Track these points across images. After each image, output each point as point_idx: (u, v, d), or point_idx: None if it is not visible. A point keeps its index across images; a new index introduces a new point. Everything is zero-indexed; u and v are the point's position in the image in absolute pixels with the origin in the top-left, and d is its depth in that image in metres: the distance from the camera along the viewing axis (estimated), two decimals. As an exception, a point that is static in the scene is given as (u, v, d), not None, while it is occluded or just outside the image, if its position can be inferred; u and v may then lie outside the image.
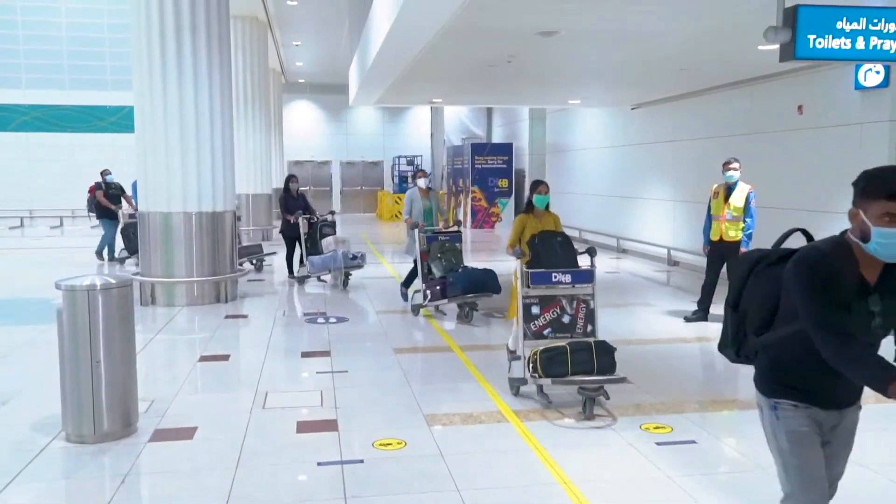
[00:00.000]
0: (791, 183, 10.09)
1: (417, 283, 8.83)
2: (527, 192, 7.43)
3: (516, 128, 22.60)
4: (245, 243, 13.24)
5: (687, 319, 8.36)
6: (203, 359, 6.78)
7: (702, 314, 8.38)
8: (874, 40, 4.94)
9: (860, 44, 4.95)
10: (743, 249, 8.06)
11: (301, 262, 11.33)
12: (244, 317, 8.83)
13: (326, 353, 6.95)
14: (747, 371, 5.84)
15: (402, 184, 27.19)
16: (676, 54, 9.14)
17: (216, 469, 4.23)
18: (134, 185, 15.87)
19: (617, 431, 4.84)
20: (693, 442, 4.64)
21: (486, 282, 8.13)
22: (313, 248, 11.08)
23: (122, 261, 13.41)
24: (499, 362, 6.63)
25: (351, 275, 10.71)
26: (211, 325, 8.22)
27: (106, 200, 13.73)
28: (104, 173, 14.01)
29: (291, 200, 11.42)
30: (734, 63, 9.65)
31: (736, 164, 8.08)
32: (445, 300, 8.16)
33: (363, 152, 29.23)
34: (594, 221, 16.86)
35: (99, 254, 13.75)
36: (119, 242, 13.62)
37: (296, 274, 11.40)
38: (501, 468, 4.28)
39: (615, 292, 10.57)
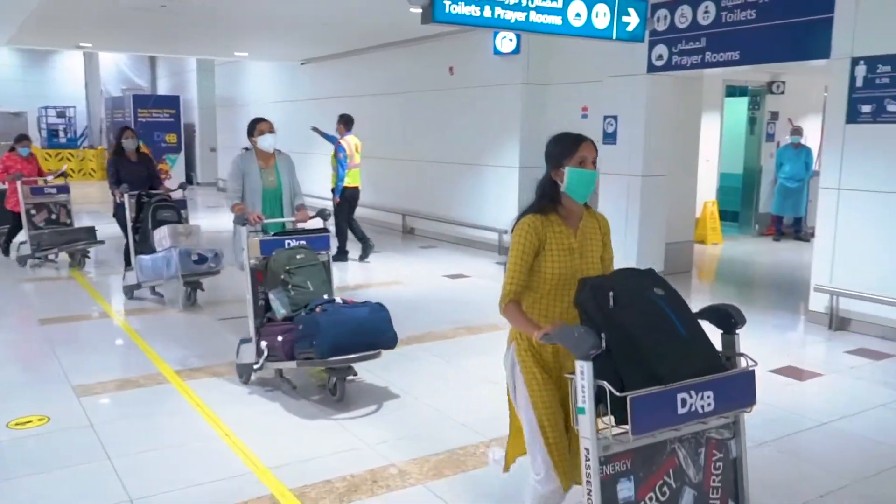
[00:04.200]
0: (447, 138, 10.99)
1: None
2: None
3: (183, 79, 21.35)
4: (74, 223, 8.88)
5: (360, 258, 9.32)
6: None
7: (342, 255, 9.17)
8: (498, 10, 5.55)
9: (487, 12, 5.53)
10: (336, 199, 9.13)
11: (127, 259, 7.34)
12: None
13: (-49, 331, 6.05)
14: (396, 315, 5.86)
15: (51, 138, 24.16)
16: (336, 11, 9.33)
17: None
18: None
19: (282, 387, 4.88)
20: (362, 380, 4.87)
21: (371, 331, 4.47)
22: (143, 243, 6.99)
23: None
24: (159, 325, 6.32)
25: (202, 286, 6.97)
26: None
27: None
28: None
29: (126, 166, 7.22)
30: (395, 23, 10.09)
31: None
32: (293, 363, 4.53)
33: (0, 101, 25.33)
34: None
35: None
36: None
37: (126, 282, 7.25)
38: (160, 430, 4.14)
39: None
